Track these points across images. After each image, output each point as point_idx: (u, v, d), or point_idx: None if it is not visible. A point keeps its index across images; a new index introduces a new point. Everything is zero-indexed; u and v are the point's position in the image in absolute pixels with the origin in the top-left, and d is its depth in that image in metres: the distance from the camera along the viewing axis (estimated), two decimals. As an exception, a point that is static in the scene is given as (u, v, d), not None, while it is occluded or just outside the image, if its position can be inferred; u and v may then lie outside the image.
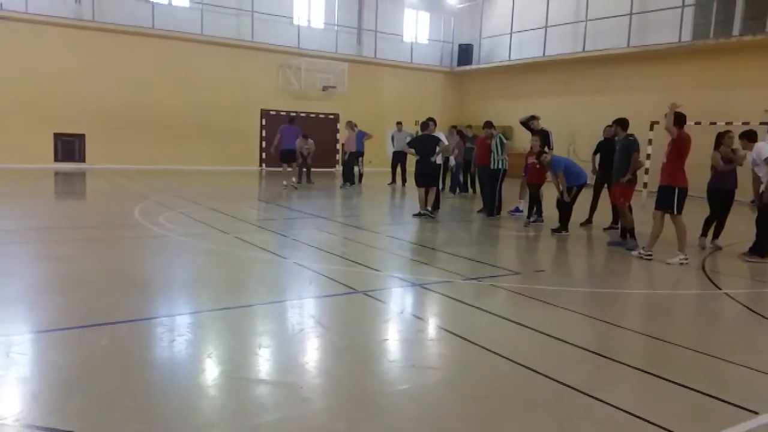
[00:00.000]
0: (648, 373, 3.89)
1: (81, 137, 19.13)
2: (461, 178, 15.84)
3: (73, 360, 3.74)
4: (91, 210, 11.61)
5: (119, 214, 10.14)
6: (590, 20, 20.24)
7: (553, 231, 9.55)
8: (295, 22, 22.48)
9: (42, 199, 12.45)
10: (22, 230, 8.28)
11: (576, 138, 18.28)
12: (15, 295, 5.14)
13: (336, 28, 23.32)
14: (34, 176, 16.04)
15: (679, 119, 7.31)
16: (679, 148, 7.37)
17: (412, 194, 12.18)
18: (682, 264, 7.39)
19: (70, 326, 4.37)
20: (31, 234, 8.06)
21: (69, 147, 19.04)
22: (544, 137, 10.30)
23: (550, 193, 10.57)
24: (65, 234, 8.23)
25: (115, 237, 8.18)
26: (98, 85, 18.90)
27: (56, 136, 18.78)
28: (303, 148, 16.01)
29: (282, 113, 21.51)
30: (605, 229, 10.09)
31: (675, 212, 7.45)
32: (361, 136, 17.09)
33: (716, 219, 8.71)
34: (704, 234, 8.70)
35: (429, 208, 10.73)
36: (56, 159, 18.82)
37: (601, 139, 10.59)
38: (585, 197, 10.08)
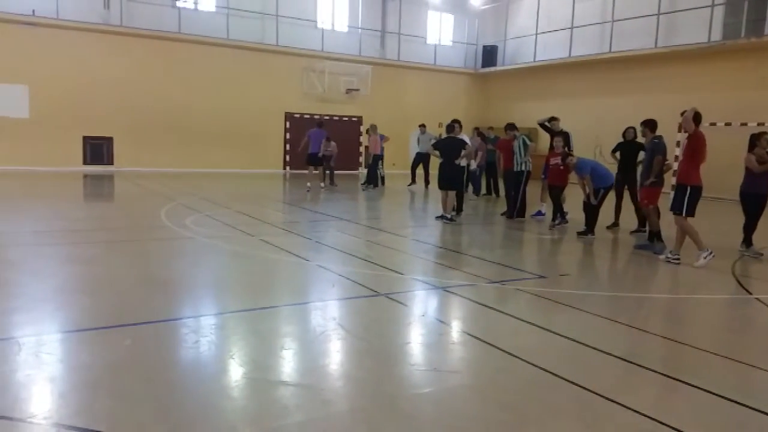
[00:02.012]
0: (674, 378, 3.82)
1: (109, 140, 19.51)
2: (482, 181, 15.76)
3: (99, 360, 3.80)
4: (118, 212, 11.80)
5: (146, 216, 10.30)
6: (617, 21, 19.97)
7: (579, 234, 9.44)
8: (319, 25, 22.63)
9: (71, 202, 12.70)
10: (52, 232, 8.45)
11: (602, 140, 18.01)
12: (44, 295, 5.24)
13: (360, 31, 23.39)
14: (63, 179, 16.40)
15: (696, 118, 7.23)
16: (694, 146, 7.30)
17: (435, 196, 12.13)
18: (706, 259, 7.28)
19: (96, 327, 4.44)
20: (61, 235, 8.21)
21: (98, 150, 19.43)
22: (565, 138, 10.17)
23: (575, 196, 10.45)
24: (93, 236, 8.38)
25: (141, 239, 8.31)
26: (126, 89, 19.24)
27: (85, 139, 19.18)
28: (326, 151, 16.11)
29: (306, 116, 21.66)
30: (632, 232, 9.94)
31: (683, 214, 7.33)
32: (380, 139, 17.16)
33: (750, 222, 8.49)
34: (747, 243, 8.36)
35: (448, 215, 10.60)
36: (85, 162, 19.21)
37: (622, 140, 10.42)
38: (611, 200, 9.94)
